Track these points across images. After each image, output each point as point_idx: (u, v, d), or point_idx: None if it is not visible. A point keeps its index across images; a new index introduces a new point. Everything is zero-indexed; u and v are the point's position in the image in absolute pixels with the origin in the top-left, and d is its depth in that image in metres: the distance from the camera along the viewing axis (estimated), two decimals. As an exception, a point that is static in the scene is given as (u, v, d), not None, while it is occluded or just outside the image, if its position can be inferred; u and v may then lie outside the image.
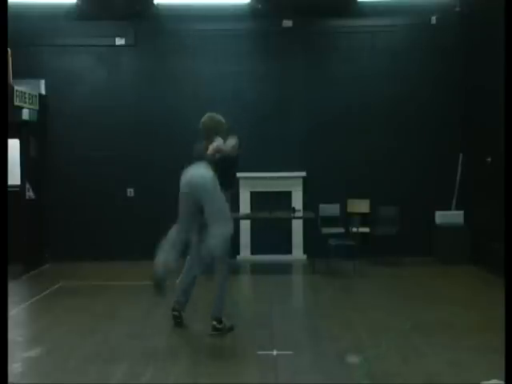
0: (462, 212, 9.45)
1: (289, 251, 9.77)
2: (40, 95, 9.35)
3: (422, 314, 6.35)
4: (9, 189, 4.24)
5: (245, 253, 9.78)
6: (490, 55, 8.50)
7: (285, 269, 9.30)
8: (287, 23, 9.67)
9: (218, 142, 5.43)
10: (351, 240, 8.77)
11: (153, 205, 9.48)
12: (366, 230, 9.36)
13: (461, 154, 9.57)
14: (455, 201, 9.58)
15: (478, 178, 9.04)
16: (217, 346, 5.36)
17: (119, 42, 9.68)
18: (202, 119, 5.74)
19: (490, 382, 4.17)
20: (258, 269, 9.44)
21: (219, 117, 5.80)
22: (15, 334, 5.57)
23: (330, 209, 9.39)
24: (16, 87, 8.48)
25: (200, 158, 5.43)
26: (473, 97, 9.30)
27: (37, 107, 9.14)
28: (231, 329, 5.60)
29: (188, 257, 5.85)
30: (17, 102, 8.51)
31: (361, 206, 9.57)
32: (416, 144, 9.62)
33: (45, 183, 9.48)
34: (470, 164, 9.40)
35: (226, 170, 5.56)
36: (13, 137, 8.23)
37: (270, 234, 9.59)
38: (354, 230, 8.81)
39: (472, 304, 6.77)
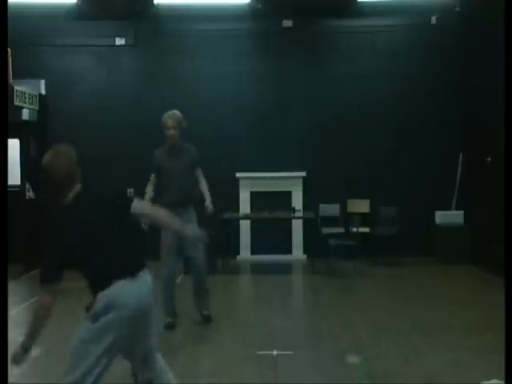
0: (461, 212, 9.45)
1: (289, 251, 9.76)
2: (40, 95, 9.35)
3: (422, 314, 6.35)
4: (9, 189, 4.24)
5: (245, 253, 9.77)
6: (489, 55, 8.50)
7: (285, 269, 9.30)
8: (287, 23, 9.67)
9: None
10: (351, 240, 8.76)
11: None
12: (366, 230, 9.35)
13: (461, 154, 9.57)
14: (455, 201, 9.57)
15: (478, 178, 9.04)
16: (217, 346, 5.35)
17: (119, 42, 9.68)
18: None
19: (490, 382, 4.17)
20: (258, 269, 9.43)
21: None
22: (15, 334, 5.55)
23: (330, 209, 9.40)
24: (16, 87, 8.48)
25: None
26: (473, 97, 9.29)
27: (37, 107, 9.14)
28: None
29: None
30: (17, 102, 8.51)
31: (361, 205, 9.57)
32: (416, 144, 9.62)
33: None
34: (470, 164, 9.40)
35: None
36: (13, 137, 8.23)
37: (270, 234, 9.58)
38: (354, 230, 8.81)
39: (472, 304, 6.77)
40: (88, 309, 3.12)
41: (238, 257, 9.71)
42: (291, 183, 9.75)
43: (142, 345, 3.28)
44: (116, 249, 3.16)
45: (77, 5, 9.18)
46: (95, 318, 3.07)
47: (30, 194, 9.07)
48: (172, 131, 5.72)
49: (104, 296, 3.07)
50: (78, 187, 3.26)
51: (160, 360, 3.42)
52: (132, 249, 3.24)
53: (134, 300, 3.09)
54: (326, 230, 9.00)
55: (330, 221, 9.25)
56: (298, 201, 9.64)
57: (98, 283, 3.11)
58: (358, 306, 6.85)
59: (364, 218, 9.36)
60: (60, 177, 3.25)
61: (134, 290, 3.11)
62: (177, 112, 5.81)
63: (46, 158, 3.31)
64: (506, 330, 3.39)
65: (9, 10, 4.21)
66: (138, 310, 3.10)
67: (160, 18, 9.47)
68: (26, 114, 8.78)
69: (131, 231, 3.30)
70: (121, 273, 3.10)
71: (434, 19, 9.50)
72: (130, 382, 4.53)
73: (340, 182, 9.52)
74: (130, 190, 9.75)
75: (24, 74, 8.90)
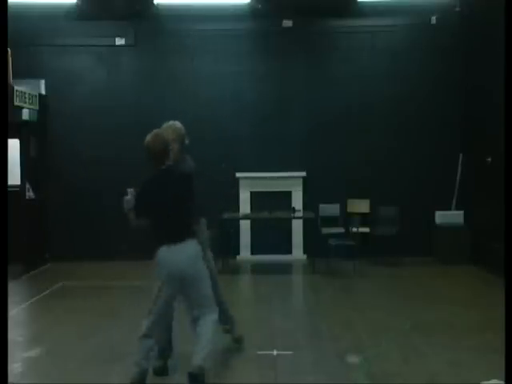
0: (461, 212, 9.45)
1: (289, 251, 9.76)
2: (40, 95, 9.35)
3: (422, 314, 6.35)
4: (9, 189, 4.24)
5: (245, 253, 9.77)
6: (489, 55, 8.50)
7: (285, 269, 9.30)
8: (287, 23, 9.67)
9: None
10: (351, 240, 8.76)
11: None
12: (366, 230, 9.35)
13: (461, 154, 9.57)
14: (455, 201, 9.57)
15: (478, 178, 9.04)
16: (217, 347, 5.35)
17: (119, 42, 9.68)
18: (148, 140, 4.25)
19: (490, 382, 4.17)
20: (258, 269, 9.43)
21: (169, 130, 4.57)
22: (15, 334, 5.57)
23: (330, 209, 9.39)
24: (16, 87, 8.48)
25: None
26: (473, 97, 9.29)
27: (37, 107, 9.14)
28: None
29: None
30: (17, 102, 8.51)
31: (361, 206, 9.57)
32: (416, 144, 9.62)
33: (45, 183, 9.48)
34: (470, 164, 9.39)
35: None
36: (13, 137, 8.23)
37: (270, 233, 9.59)
38: (354, 230, 8.81)
39: (472, 304, 6.77)
40: None
41: (238, 257, 9.71)
42: (291, 183, 9.75)
43: (194, 296, 4.22)
44: (173, 219, 4.15)
45: (77, 5, 9.17)
46: (156, 270, 4.17)
47: (30, 194, 9.07)
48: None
49: (157, 255, 4.15)
50: (167, 164, 4.20)
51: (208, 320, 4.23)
52: (183, 222, 4.19)
53: (172, 263, 4.11)
54: (325, 230, 9.00)
55: (330, 221, 9.25)
56: (298, 201, 9.64)
57: (156, 241, 4.15)
58: (358, 305, 6.85)
59: (364, 218, 9.35)
60: (155, 153, 4.16)
61: (173, 255, 4.11)
62: (177, 123, 4.88)
63: (148, 137, 4.19)
64: (506, 330, 3.40)
65: (9, 9, 4.20)
66: (175, 271, 4.10)
67: (160, 18, 9.47)
68: (26, 114, 8.77)
69: (187, 209, 4.23)
70: (169, 239, 4.12)
71: (434, 19, 9.50)
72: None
73: (340, 182, 9.52)
74: (131, 190, 9.76)
75: (24, 73, 8.90)
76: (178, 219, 4.18)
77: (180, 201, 4.19)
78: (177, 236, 4.15)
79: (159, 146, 4.15)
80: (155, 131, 4.25)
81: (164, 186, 4.19)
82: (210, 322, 4.27)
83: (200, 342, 4.21)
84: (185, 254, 4.15)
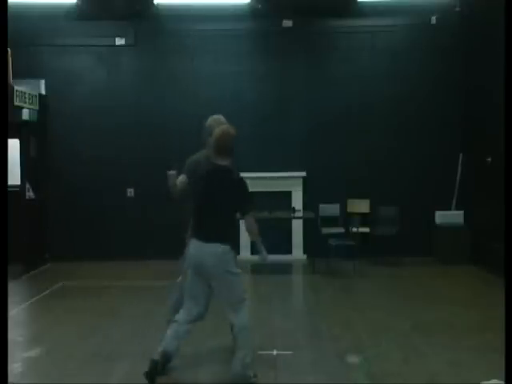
0: (461, 212, 9.45)
1: (289, 251, 9.76)
2: (40, 95, 9.35)
3: (422, 314, 6.36)
4: (9, 189, 4.24)
5: (245, 253, 9.76)
6: (489, 55, 8.50)
7: (285, 269, 9.30)
8: (287, 23, 9.67)
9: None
10: (351, 240, 8.76)
11: (152, 205, 9.47)
12: (366, 230, 9.35)
13: (461, 154, 9.57)
14: (455, 201, 9.57)
15: (478, 178, 9.04)
16: (217, 347, 5.36)
17: (119, 42, 9.68)
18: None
19: (490, 382, 4.18)
20: (257, 269, 9.43)
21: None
22: (15, 334, 5.57)
23: (330, 209, 9.39)
24: (16, 87, 8.48)
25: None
26: (473, 97, 9.30)
27: (37, 107, 9.14)
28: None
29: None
30: (17, 102, 8.51)
31: (361, 205, 9.57)
32: (416, 144, 9.62)
33: (45, 183, 9.48)
34: (470, 164, 9.40)
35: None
36: (13, 137, 8.23)
37: (270, 233, 9.55)
38: (354, 230, 8.81)
39: (472, 304, 6.77)
40: None
41: (238, 257, 9.66)
42: (291, 183, 9.75)
43: (221, 295, 4.39)
44: (214, 217, 4.29)
45: (77, 5, 9.18)
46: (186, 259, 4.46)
47: (30, 194, 9.07)
48: None
49: (189, 245, 4.40)
50: (226, 161, 4.34)
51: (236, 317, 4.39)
52: (222, 225, 4.33)
53: (197, 257, 4.28)
54: (325, 230, 9.00)
55: (330, 221, 9.24)
56: (298, 201, 9.64)
57: (192, 231, 4.41)
58: (358, 306, 6.85)
59: (364, 218, 9.35)
60: (220, 148, 4.32)
61: (198, 251, 4.28)
62: (222, 117, 5.02)
63: (218, 131, 4.37)
64: (506, 330, 3.40)
65: (9, 9, 4.20)
66: (199, 264, 4.27)
67: (160, 18, 9.47)
68: (26, 114, 8.77)
69: (232, 214, 4.46)
70: (202, 235, 4.28)
71: (434, 19, 9.50)
72: (131, 382, 4.55)
73: (340, 182, 9.52)
74: (130, 190, 9.79)
75: (24, 73, 8.90)
76: (219, 220, 4.31)
77: (228, 204, 4.34)
78: (210, 235, 4.27)
79: (227, 143, 4.33)
80: (226, 127, 4.45)
81: (221, 183, 4.31)
82: (238, 325, 4.42)
83: (236, 345, 4.47)
84: (208, 254, 4.27)
